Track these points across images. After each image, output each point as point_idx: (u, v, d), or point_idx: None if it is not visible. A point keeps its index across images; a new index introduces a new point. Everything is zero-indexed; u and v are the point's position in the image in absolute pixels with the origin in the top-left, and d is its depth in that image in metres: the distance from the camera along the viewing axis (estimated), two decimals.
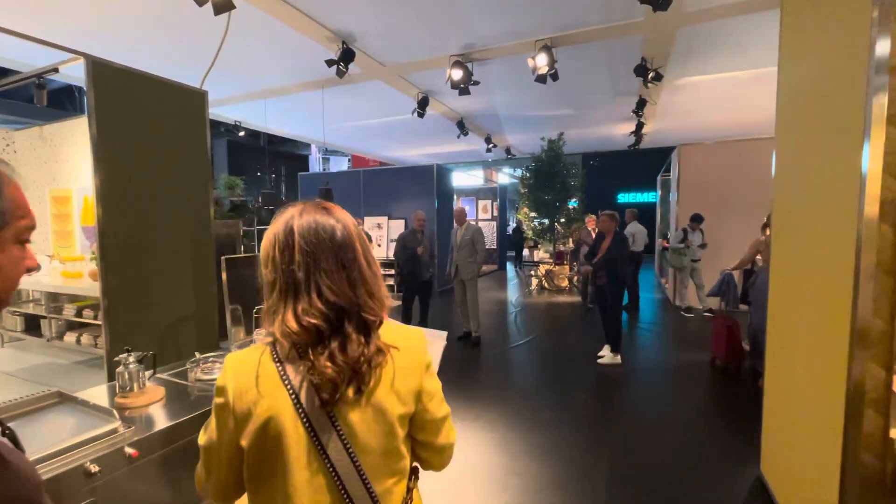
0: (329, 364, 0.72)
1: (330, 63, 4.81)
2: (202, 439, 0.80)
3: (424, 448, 0.88)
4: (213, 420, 0.78)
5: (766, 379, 2.56)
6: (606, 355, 4.67)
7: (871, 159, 1.38)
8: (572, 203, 10.52)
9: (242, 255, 2.39)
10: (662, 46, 4.93)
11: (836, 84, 1.69)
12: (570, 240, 9.77)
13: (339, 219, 0.81)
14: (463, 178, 16.41)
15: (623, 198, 17.89)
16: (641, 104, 6.82)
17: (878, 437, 2.15)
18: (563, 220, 9.99)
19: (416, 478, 0.90)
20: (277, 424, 0.73)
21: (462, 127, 8.29)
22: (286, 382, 0.74)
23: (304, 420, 0.73)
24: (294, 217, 0.78)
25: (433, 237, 6.37)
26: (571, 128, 9.35)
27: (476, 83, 5.33)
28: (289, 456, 0.73)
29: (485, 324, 6.22)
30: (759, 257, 4.23)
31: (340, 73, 4.89)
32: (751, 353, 4.28)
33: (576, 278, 9.16)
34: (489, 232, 14.16)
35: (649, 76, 5.19)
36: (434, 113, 7.65)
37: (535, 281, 9.81)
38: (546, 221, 10.09)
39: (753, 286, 4.10)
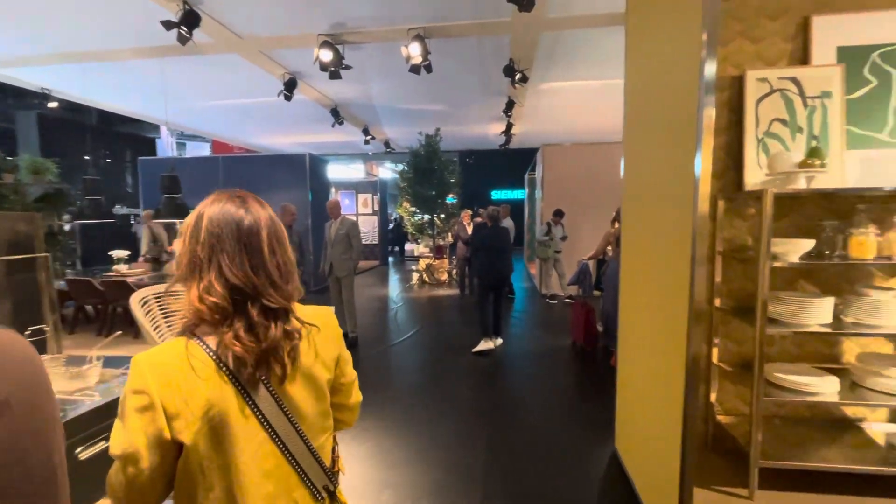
0: (236, 342, 0.76)
1: (168, 25, 4.04)
2: (117, 448, 0.73)
3: (338, 409, 0.99)
4: (131, 425, 0.72)
5: (619, 359, 2.81)
6: (480, 343, 4.84)
7: (703, 163, 1.52)
8: (451, 199, 10.77)
9: (17, 256, 1.78)
10: (527, 49, 5.20)
11: (672, 98, 1.85)
12: (449, 234, 10.00)
13: (250, 209, 0.84)
14: (342, 171, 15.73)
15: (496, 194, 19.03)
16: (510, 105, 7.20)
17: (702, 404, 2.48)
18: (442, 215, 10.16)
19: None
20: (222, 408, 0.75)
21: (337, 115, 7.83)
22: (222, 366, 0.76)
23: (248, 399, 0.78)
24: (207, 205, 0.83)
25: (305, 233, 5.88)
26: (448, 124, 9.51)
27: (348, 67, 5.01)
28: (236, 433, 0.76)
29: (364, 322, 5.97)
30: (609, 248, 4.73)
31: (183, 40, 4.15)
32: (604, 334, 4.79)
33: (454, 271, 9.39)
34: (370, 226, 13.82)
35: (516, 77, 5.45)
36: (305, 98, 7.07)
37: (415, 276, 9.82)
38: (426, 216, 10.16)
39: (605, 274, 4.58)
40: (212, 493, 0.76)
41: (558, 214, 7.36)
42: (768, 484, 2.16)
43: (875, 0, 2.17)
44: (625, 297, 2.71)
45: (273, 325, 0.80)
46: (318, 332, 0.89)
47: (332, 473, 0.91)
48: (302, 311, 0.89)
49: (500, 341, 5.04)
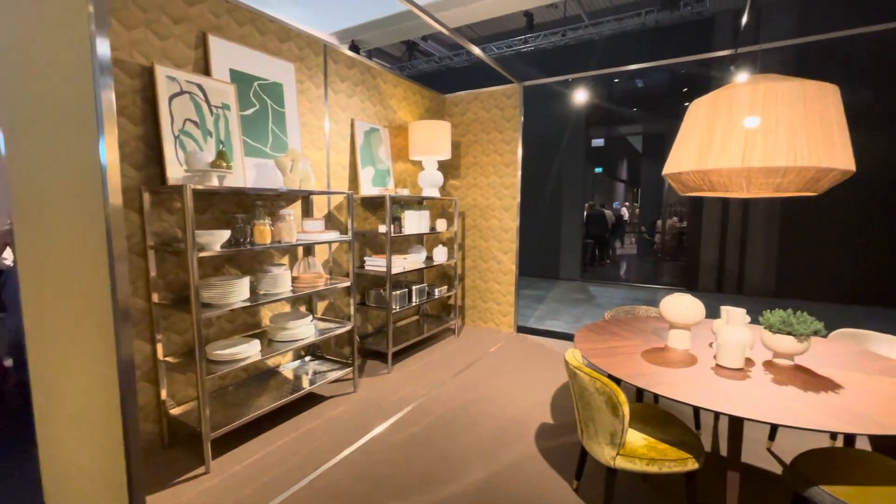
0: None
1: None
2: None
3: None
4: None
5: (34, 391, 2.18)
6: None
7: (108, 151, 1.39)
8: None
9: None
10: None
11: (64, 78, 1.55)
12: None
13: None
14: None
15: None
16: None
17: (154, 405, 2.39)
18: None
19: None
20: None
21: None
22: None
23: None
24: None
25: None
26: None
27: None
28: None
29: None
30: (7, 253, 3.52)
31: None
32: (17, 367, 3.58)
33: None
34: None
35: None
36: None
37: None
38: None
39: (6, 287, 3.40)
40: None
41: None
42: (224, 449, 2.42)
43: (251, 41, 2.76)
44: (32, 311, 2.11)
45: None
46: None
47: None
48: None
49: None
